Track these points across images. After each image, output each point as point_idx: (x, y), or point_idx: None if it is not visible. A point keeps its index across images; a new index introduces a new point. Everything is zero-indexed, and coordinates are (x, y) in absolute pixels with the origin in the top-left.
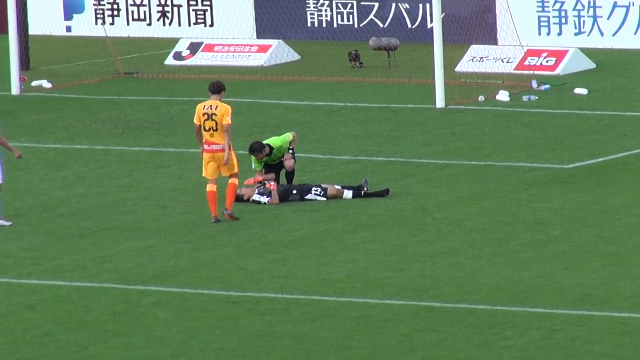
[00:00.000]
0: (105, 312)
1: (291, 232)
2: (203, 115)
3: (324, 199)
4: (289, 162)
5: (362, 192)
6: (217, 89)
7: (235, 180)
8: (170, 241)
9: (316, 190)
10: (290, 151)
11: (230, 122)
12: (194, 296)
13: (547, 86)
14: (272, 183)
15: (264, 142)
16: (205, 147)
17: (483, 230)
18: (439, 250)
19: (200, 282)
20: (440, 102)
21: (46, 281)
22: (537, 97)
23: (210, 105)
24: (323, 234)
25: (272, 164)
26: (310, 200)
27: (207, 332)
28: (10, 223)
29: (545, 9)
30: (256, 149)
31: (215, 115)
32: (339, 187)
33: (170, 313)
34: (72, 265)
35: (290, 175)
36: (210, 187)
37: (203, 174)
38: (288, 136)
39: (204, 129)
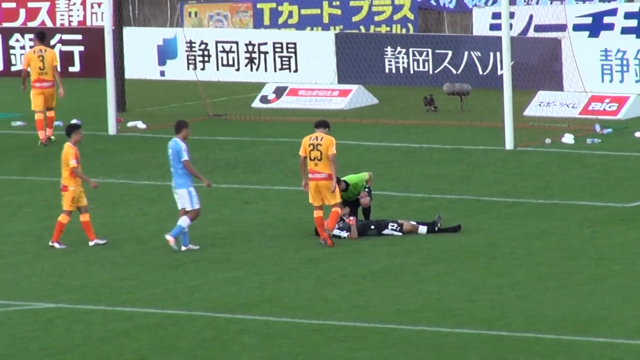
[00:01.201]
0: (195, 339)
1: (369, 265)
2: (309, 146)
3: (400, 234)
4: (364, 200)
5: (436, 228)
6: (322, 123)
7: (338, 209)
8: (255, 272)
9: (393, 226)
10: (367, 189)
11: (335, 152)
12: (278, 324)
13: (609, 130)
14: (351, 218)
15: (342, 179)
16: (310, 175)
17: (548, 265)
18: (507, 283)
19: (284, 310)
20: (509, 144)
21: (140, 309)
22: (600, 140)
23: (316, 137)
24: (399, 267)
25: (349, 201)
26: (387, 235)
27: (289, 358)
28: (104, 241)
29: (609, 57)
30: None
31: (321, 145)
32: (414, 223)
33: (256, 340)
34: (164, 294)
35: (366, 211)
36: (317, 213)
37: (310, 201)
38: (364, 175)
39: (310, 159)
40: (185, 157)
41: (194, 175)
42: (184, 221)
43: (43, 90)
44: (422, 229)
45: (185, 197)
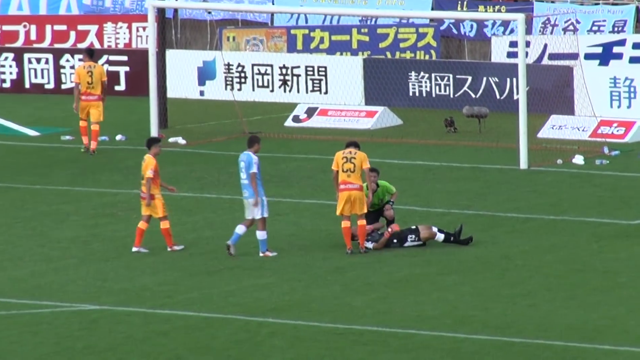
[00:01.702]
0: (229, 340)
1: (391, 274)
2: (342, 159)
3: (420, 242)
4: (389, 212)
5: (452, 238)
6: (353, 143)
7: (363, 221)
8: (285, 279)
9: (411, 237)
10: (391, 203)
11: (369, 165)
12: (306, 327)
13: (617, 152)
14: (388, 230)
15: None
16: (342, 186)
17: (558, 276)
18: (519, 293)
19: (312, 315)
20: (523, 164)
21: (178, 311)
22: (608, 162)
23: (350, 151)
24: (419, 276)
25: (373, 211)
26: (408, 246)
27: (316, 358)
28: (182, 247)
29: (617, 85)
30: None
31: (355, 159)
32: (435, 230)
33: (285, 342)
34: (200, 298)
35: (390, 223)
36: (345, 224)
37: (338, 213)
38: (393, 188)
39: (342, 171)
40: (253, 169)
41: (253, 188)
42: (262, 235)
43: (89, 103)
44: (440, 237)
45: (253, 207)
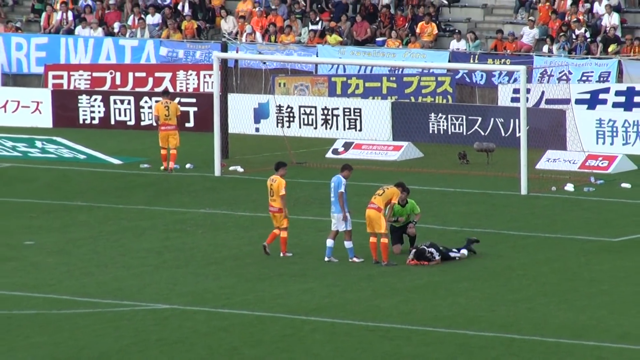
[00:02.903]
0: (277, 335)
1: (413, 281)
2: (379, 188)
3: (438, 258)
4: (412, 230)
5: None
6: (400, 184)
7: (385, 240)
8: (325, 284)
9: (430, 254)
10: (414, 222)
11: (394, 202)
12: (342, 325)
13: (601, 181)
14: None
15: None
16: (369, 205)
17: (552, 284)
18: (520, 298)
19: (347, 315)
20: (524, 191)
21: (235, 311)
22: (594, 189)
23: (386, 187)
24: (436, 283)
25: (398, 227)
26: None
27: (350, 350)
28: (291, 254)
29: (602, 125)
30: (403, 185)
31: (385, 192)
32: (458, 256)
33: (324, 337)
34: (254, 300)
35: (412, 240)
36: (372, 240)
37: (368, 230)
38: (418, 208)
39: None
40: (341, 189)
41: (341, 206)
42: (349, 244)
43: (167, 132)
44: (464, 252)
45: (341, 221)
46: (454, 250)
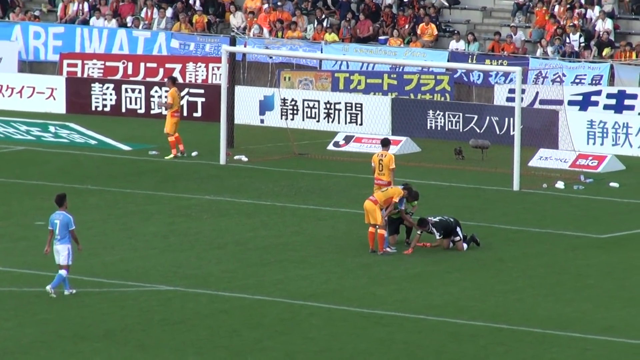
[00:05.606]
0: (276, 318)
1: (407, 270)
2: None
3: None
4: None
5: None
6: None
7: (382, 231)
8: (323, 271)
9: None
10: (410, 214)
11: (397, 201)
12: (338, 311)
13: (591, 180)
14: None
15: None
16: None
17: (540, 277)
18: (509, 289)
19: (343, 301)
20: (516, 187)
21: (236, 294)
22: (583, 187)
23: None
24: (429, 273)
25: (394, 219)
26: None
27: (345, 335)
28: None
29: (593, 126)
30: (410, 190)
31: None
32: (462, 248)
33: (321, 321)
34: (255, 284)
35: (408, 230)
36: (371, 229)
37: (366, 221)
38: (415, 204)
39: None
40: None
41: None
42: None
43: (177, 119)
44: (464, 246)
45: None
46: (459, 232)
